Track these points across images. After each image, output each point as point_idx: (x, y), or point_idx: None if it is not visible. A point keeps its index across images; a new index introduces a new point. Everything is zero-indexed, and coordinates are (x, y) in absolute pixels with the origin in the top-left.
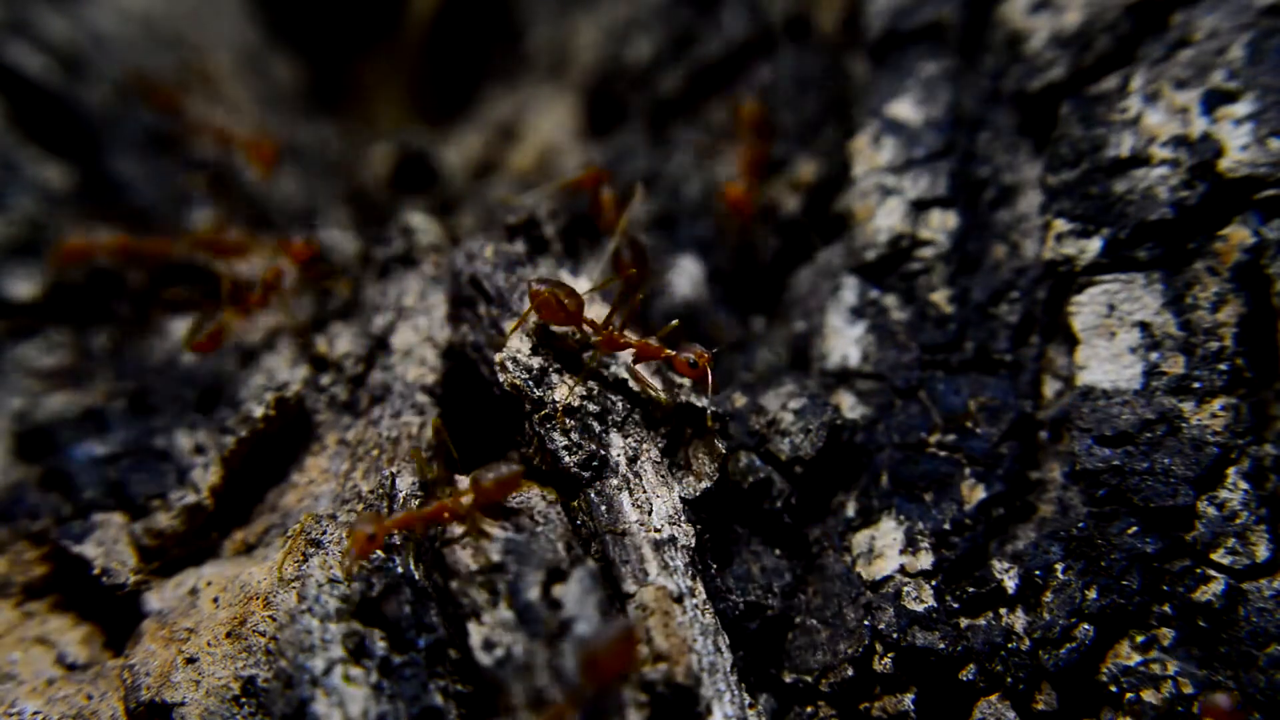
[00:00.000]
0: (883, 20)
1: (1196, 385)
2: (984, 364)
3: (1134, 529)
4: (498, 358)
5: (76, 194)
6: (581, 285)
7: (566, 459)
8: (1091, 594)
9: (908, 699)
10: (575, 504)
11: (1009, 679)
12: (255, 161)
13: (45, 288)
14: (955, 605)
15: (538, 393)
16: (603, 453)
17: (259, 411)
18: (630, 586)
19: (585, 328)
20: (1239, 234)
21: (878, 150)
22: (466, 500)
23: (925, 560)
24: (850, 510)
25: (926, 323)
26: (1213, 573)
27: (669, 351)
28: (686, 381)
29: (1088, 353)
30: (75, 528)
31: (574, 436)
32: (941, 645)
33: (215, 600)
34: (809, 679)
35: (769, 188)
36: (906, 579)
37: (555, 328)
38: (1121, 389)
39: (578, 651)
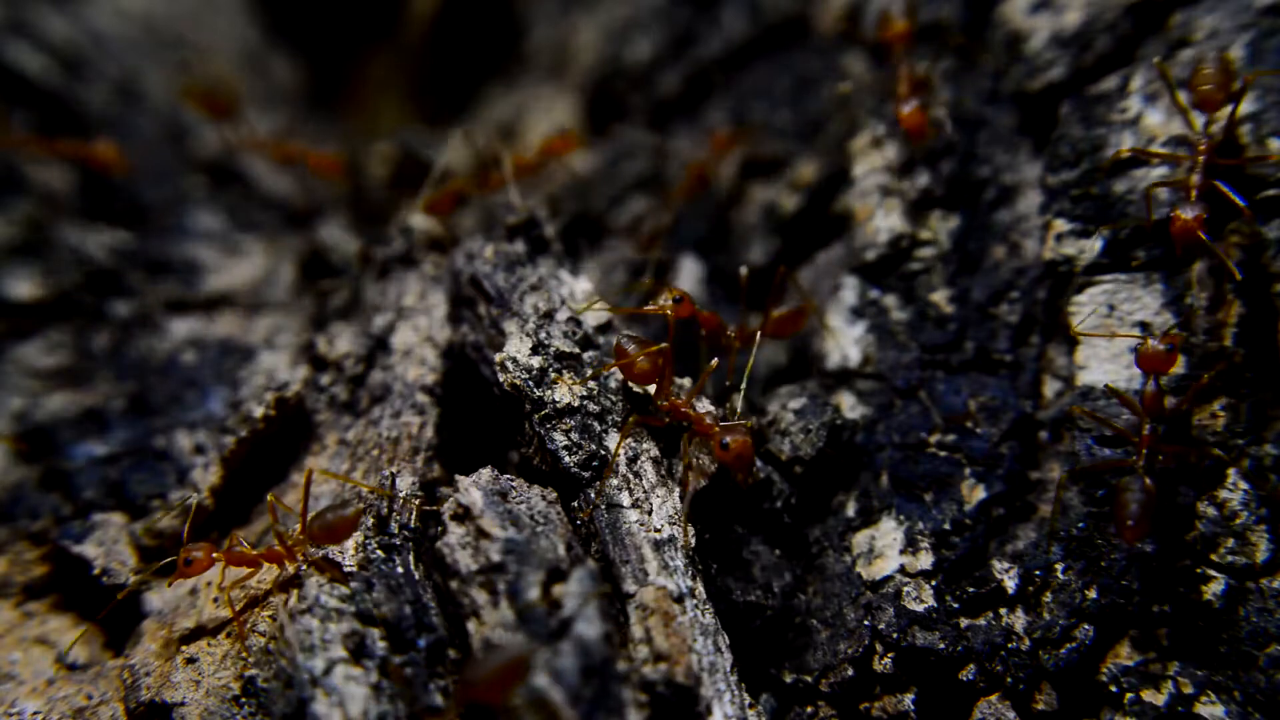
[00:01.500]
0: None
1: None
2: (984, 364)
3: None
4: (498, 358)
5: (76, 194)
6: (581, 285)
7: (566, 459)
8: (1091, 594)
9: (908, 699)
10: (575, 504)
11: (1009, 679)
12: (325, 175)
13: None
14: (955, 605)
15: (538, 393)
16: (603, 453)
17: (259, 411)
18: (630, 586)
19: (659, 397)
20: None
21: (878, 150)
22: (298, 547)
23: (925, 560)
24: (850, 510)
25: (926, 323)
26: (1213, 573)
27: (717, 430)
28: (686, 382)
29: (1088, 353)
30: (75, 528)
31: (574, 436)
32: (941, 645)
33: (215, 600)
34: (809, 679)
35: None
36: (906, 579)
37: (635, 385)
38: (1122, 389)
39: (461, 679)
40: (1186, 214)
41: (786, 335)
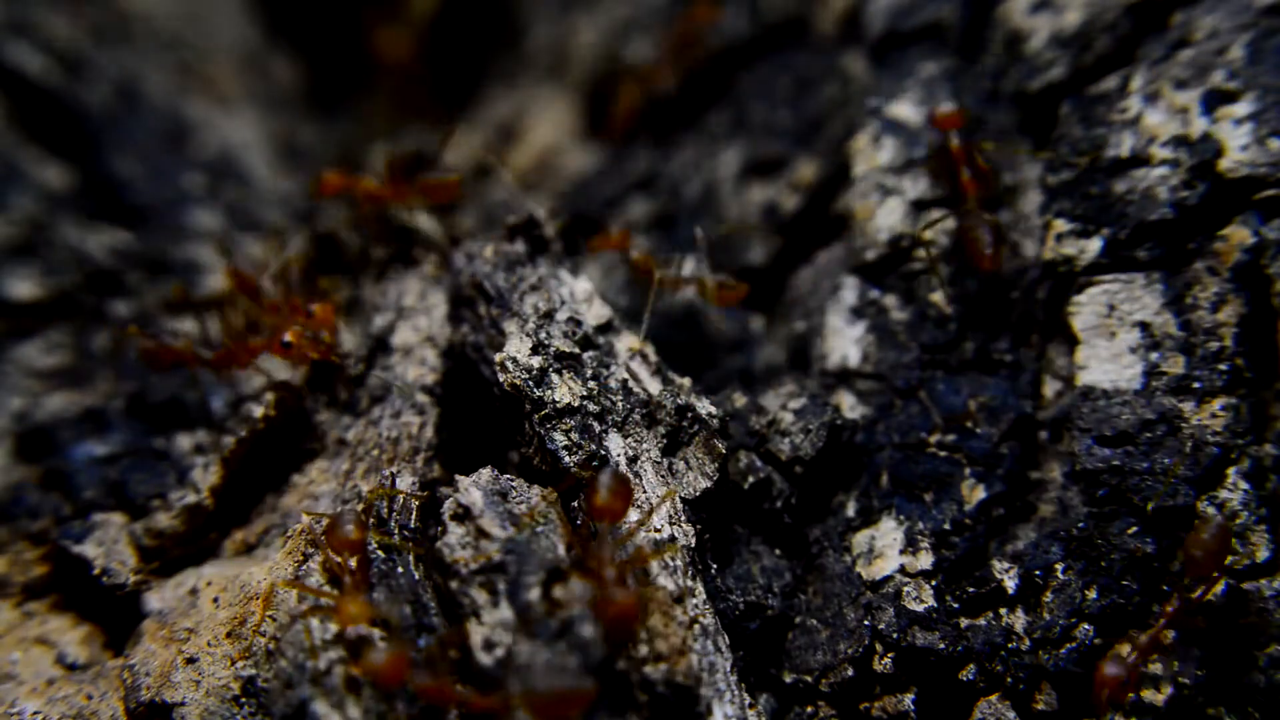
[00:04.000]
0: (883, 20)
1: (1196, 385)
2: (984, 364)
3: (1134, 529)
4: (498, 358)
5: (76, 194)
6: (581, 285)
7: (566, 459)
8: (1091, 594)
9: (908, 699)
10: (575, 504)
11: (1009, 679)
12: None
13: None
14: (955, 605)
15: (538, 393)
16: (603, 453)
17: (259, 411)
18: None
19: None
20: (1239, 234)
21: (878, 150)
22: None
23: (925, 560)
24: (850, 510)
25: (926, 323)
26: (1213, 573)
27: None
28: (686, 382)
29: (1088, 353)
30: (75, 528)
31: (574, 437)
32: (941, 645)
33: (215, 600)
34: (809, 679)
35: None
36: (906, 579)
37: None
38: (1121, 389)
39: (525, 692)
40: (1111, 671)
41: (435, 200)
